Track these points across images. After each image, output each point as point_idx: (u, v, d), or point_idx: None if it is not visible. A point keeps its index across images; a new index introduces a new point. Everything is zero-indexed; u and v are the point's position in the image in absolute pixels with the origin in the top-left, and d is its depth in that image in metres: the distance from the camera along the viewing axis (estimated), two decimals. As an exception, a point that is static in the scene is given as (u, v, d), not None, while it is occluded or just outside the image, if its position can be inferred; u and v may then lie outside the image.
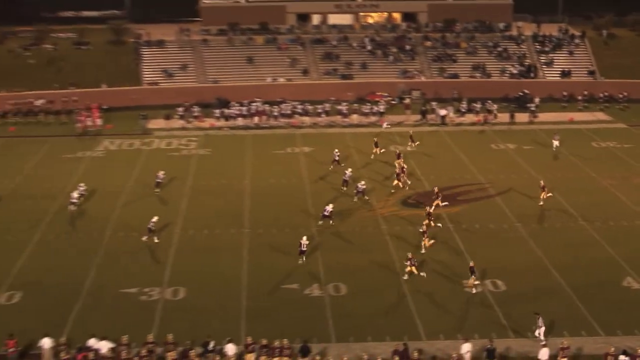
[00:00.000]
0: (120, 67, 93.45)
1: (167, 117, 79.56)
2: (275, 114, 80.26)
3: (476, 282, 43.42)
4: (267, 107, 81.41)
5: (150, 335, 37.08)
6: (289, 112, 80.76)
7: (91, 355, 35.54)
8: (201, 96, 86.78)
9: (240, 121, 79.25)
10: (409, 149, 68.13)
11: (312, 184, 60.78)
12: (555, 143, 68.91)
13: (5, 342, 36.76)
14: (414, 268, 44.46)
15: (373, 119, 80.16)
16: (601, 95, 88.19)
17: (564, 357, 35.71)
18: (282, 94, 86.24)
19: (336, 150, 64.58)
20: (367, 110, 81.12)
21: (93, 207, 56.24)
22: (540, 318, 37.89)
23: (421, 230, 49.17)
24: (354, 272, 45.46)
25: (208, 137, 75.84)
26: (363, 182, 57.51)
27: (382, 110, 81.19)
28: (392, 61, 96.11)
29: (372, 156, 66.51)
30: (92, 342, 36.56)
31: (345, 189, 58.35)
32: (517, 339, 38.42)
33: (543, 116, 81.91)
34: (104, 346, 36.34)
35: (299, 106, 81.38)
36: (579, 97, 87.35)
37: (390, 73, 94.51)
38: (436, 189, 56.24)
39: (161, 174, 59.54)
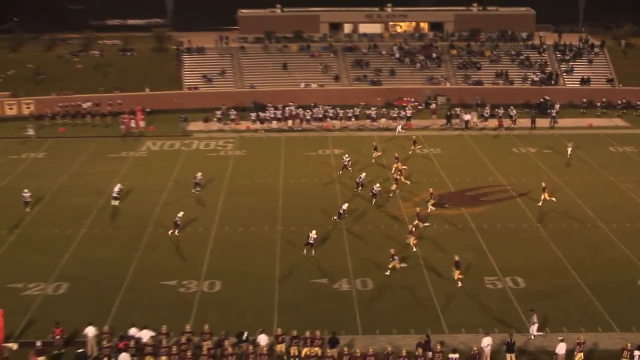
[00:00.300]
0: (162, 73, 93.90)
1: (206, 120, 79.89)
2: (308, 117, 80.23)
3: (461, 276, 43.44)
4: (300, 111, 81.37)
5: (187, 325, 37.27)
6: (320, 115, 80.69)
7: (132, 343, 35.83)
8: (238, 100, 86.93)
9: (274, 124, 79.32)
10: (373, 160, 66.33)
11: (342, 185, 60.71)
12: (569, 150, 67.98)
13: (52, 330, 37.14)
14: (396, 264, 44.72)
15: (400, 123, 79.90)
16: (619, 102, 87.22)
17: (580, 351, 35.40)
18: (314, 99, 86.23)
19: (346, 155, 64.57)
20: (394, 115, 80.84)
21: (135, 204, 56.60)
22: (535, 315, 37.70)
23: (410, 228, 49.26)
24: (381, 268, 45.33)
25: (244, 139, 75.97)
26: (378, 185, 57.04)
27: (409, 115, 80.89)
28: (419, 68, 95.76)
29: (373, 160, 65.92)
30: (133, 331, 36.82)
31: (358, 190, 58.39)
32: (536, 334, 38.10)
33: (563, 122, 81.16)
34: (145, 335, 36.57)
35: (330, 110, 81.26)
36: (598, 104, 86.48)
37: (417, 80, 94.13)
38: (431, 190, 56.23)
39: (199, 175, 59.72)
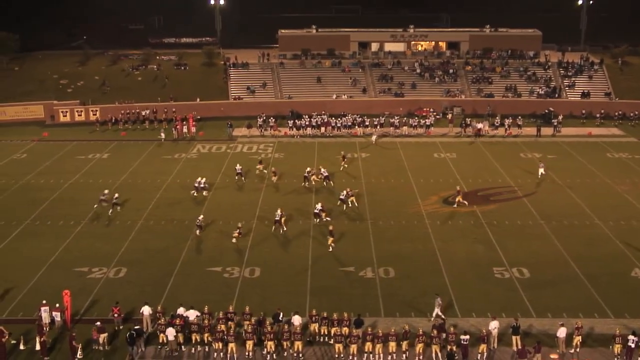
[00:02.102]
0: (211, 84, 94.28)
1: (249, 126, 79.98)
2: (339, 125, 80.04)
3: (332, 244, 46.30)
4: (331, 119, 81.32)
5: (231, 306, 37.36)
6: (349, 123, 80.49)
7: (180, 321, 35.91)
8: (277, 109, 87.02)
9: (309, 131, 79.19)
10: (341, 168, 64.53)
11: (368, 184, 60.52)
12: (541, 170, 62.30)
13: (112, 309, 37.38)
14: (332, 239, 46.76)
15: (420, 130, 79.48)
16: (616, 113, 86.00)
17: (579, 335, 35.05)
18: (344, 108, 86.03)
19: (343, 155, 64.85)
20: (415, 123, 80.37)
21: (186, 201, 56.89)
22: (439, 298, 37.82)
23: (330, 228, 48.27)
24: (402, 258, 45.25)
25: (282, 143, 75.97)
26: (348, 190, 55.57)
27: (431, 123, 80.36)
28: (437, 82, 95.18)
29: (341, 168, 64.15)
30: (181, 311, 36.95)
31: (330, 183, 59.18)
32: (539, 319, 37.87)
33: (565, 130, 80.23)
34: (192, 314, 36.68)
35: (358, 118, 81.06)
36: (597, 115, 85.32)
37: (435, 92, 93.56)
38: (458, 188, 56.45)
39: (202, 179, 58.51)
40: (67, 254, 46.28)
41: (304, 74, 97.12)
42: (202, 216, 50.91)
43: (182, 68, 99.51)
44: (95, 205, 54.60)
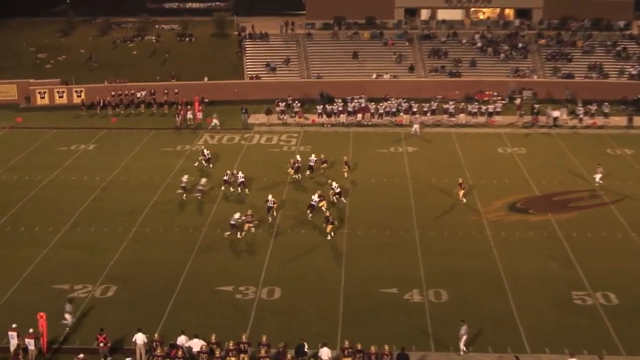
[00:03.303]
0: (223, 60, 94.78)
1: (268, 112, 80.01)
2: (380, 111, 79.96)
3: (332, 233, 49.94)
4: (371, 104, 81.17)
5: (244, 335, 37.29)
6: (393, 109, 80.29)
7: (179, 352, 35.90)
8: (303, 91, 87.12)
9: (342, 118, 79.22)
10: (346, 175, 62.85)
11: (415, 185, 60.39)
12: (598, 177, 60.92)
13: (96, 337, 37.40)
14: (331, 226, 50.09)
15: (481, 119, 79.04)
16: None
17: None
18: (386, 91, 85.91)
19: (313, 155, 63.91)
20: (474, 110, 79.99)
21: (190, 202, 57.09)
22: (465, 326, 37.67)
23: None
24: (457, 278, 45.03)
25: (309, 133, 76.07)
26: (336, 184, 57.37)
27: (491, 110, 79.93)
28: (503, 59, 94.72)
29: (345, 175, 62.68)
30: (183, 340, 36.95)
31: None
32: (630, 357, 37.40)
33: (664, 120, 79.60)
34: (196, 344, 36.67)
35: (404, 104, 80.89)
36: None
37: (500, 71, 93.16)
38: (460, 180, 57.92)
39: (239, 173, 59.75)
40: (44, 268, 46.57)
41: (336, 48, 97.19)
42: (238, 214, 51.41)
43: (187, 40, 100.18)
44: (183, 194, 57.13)
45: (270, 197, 53.85)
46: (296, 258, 47.99)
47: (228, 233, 50.95)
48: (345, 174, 62.15)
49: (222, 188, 59.04)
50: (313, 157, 63.16)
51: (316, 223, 52.59)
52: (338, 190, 56.97)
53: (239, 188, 58.98)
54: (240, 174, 59.47)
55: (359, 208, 55.72)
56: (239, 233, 50.91)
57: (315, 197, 54.45)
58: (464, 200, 56.92)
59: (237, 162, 66.15)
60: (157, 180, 61.52)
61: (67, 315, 39.74)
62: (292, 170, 61.86)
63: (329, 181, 59.29)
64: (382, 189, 59.79)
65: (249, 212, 52.11)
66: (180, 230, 51.95)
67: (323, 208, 53.88)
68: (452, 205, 56.20)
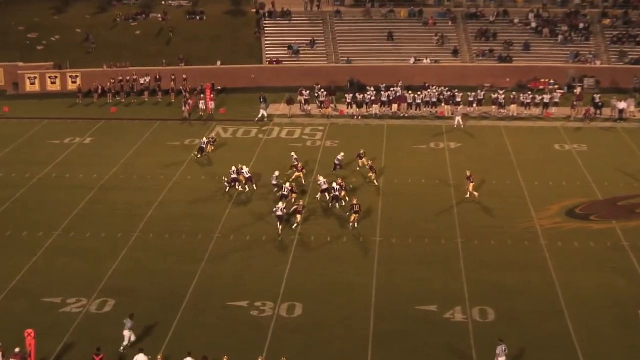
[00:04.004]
0: (238, 42, 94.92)
1: (290, 102, 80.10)
2: (418, 101, 79.77)
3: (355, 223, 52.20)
4: (408, 93, 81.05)
5: (260, 358, 37.40)
6: (434, 99, 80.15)
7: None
8: (330, 78, 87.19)
9: (375, 109, 79.16)
10: (372, 177, 62.22)
11: (458, 187, 60.26)
12: None
13: (92, 357, 37.58)
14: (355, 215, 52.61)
15: (535, 111, 78.68)
16: None
17: None
18: (426, 78, 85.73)
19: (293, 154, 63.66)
20: (528, 101, 79.60)
21: (200, 206, 57.28)
22: (502, 345, 37.63)
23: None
24: (506, 294, 44.89)
25: (337, 127, 76.16)
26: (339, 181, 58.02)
27: (556, 101, 79.53)
28: (561, 42, 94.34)
29: (371, 177, 62.17)
30: (189, 364, 37.10)
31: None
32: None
33: None
34: (205, 368, 36.80)
35: (446, 92, 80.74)
36: None
37: (558, 56, 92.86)
38: (468, 173, 58.32)
39: (233, 169, 59.89)
40: (32, 278, 46.79)
41: (369, 29, 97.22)
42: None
43: (198, 18, 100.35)
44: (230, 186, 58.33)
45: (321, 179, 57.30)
46: (321, 269, 48.10)
47: (280, 227, 52.31)
48: (373, 178, 61.52)
49: (227, 189, 59.09)
50: (340, 157, 63.09)
51: (345, 228, 52.73)
52: (325, 187, 57.65)
53: (246, 186, 59.43)
54: (246, 169, 59.76)
55: (393, 213, 55.70)
56: (296, 223, 53.06)
57: (335, 186, 55.73)
58: (476, 194, 57.62)
59: (254, 158, 66.41)
60: (162, 179, 61.72)
61: (126, 333, 39.87)
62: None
63: (318, 176, 60.02)
64: (420, 191, 59.79)
65: (301, 202, 54.53)
66: (187, 237, 52.03)
67: (346, 198, 55.88)
68: (500, 210, 56.12)
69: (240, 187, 59.02)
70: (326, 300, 44.53)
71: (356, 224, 52.68)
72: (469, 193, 57.84)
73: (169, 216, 55.32)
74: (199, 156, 65.90)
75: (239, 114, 78.94)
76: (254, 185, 59.39)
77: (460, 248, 50.55)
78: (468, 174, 58.32)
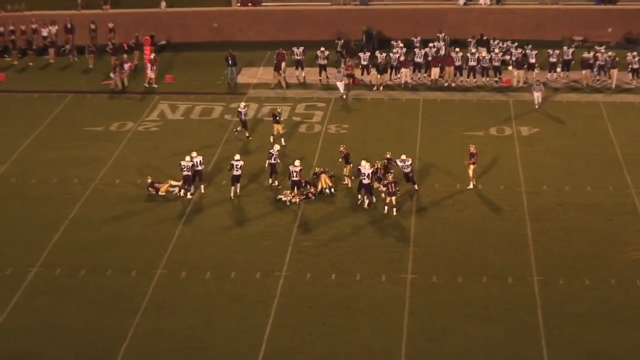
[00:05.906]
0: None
1: (278, 66, 79.99)
2: (472, 63, 79.73)
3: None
4: (455, 50, 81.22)
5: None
6: (495, 62, 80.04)
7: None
8: (336, 28, 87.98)
9: (405, 74, 79.16)
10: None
11: (535, 195, 60.52)
12: None
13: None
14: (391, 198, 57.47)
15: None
16: None
17: None
18: (482, 29, 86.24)
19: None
20: (637, 65, 79.31)
21: (134, 225, 57.47)
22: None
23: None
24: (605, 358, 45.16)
25: (345, 102, 76.37)
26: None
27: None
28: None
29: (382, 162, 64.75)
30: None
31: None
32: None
33: None
34: None
35: (514, 50, 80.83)
36: None
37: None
38: (472, 149, 61.53)
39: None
40: None
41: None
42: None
43: None
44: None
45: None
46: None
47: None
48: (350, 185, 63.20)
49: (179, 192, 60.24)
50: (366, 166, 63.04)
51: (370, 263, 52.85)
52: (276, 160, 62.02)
53: (201, 186, 61.08)
54: (200, 159, 60.94)
55: (433, 237, 55.98)
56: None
57: (366, 166, 58.10)
58: (474, 184, 60.39)
59: (219, 149, 66.85)
60: (75, 185, 62.00)
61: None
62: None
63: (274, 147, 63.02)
64: (476, 202, 60.06)
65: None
66: (115, 274, 52.00)
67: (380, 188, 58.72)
68: (599, 231, 56.34)
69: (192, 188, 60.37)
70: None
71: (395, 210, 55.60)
72: (471, 183, 60.17)
73: (85, 242, 55.32)
74: (238, 130, 68.44)
75: (194, 82, 79.02)
76: (202, 185, 60.96)
77: (537, 291, 50.54)
78: (472, 149, 59.71)
